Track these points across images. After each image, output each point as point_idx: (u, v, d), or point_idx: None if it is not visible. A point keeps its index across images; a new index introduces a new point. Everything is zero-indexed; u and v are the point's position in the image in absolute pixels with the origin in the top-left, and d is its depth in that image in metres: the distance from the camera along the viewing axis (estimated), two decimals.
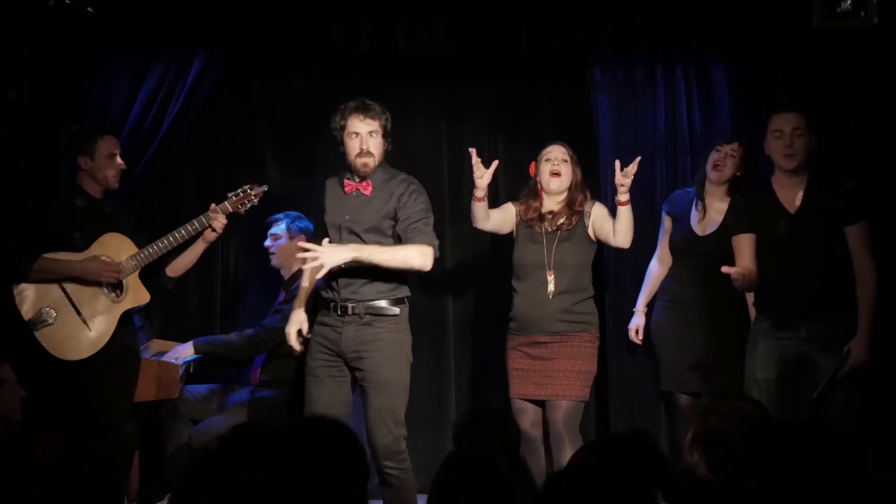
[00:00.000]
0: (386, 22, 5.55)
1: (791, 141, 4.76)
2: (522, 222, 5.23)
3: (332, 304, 4.75)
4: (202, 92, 5.58)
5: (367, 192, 4.78)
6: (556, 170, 5.15)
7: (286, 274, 5.59)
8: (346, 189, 4.80)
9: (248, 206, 5.07)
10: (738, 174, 5.28)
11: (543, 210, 5.20)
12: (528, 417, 5.15)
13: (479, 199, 5.12)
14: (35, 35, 5.19)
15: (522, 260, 5.19)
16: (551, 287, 5.09)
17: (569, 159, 5.19)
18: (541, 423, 5.20)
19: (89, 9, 4.98)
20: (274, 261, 5.59)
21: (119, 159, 4.98)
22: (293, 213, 5.59)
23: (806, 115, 4.82)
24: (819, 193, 4.77)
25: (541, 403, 5.16)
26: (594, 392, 5.64)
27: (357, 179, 4.79)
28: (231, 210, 5.03)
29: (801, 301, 4.72)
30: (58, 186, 5.26)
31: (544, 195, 5.20)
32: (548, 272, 5.10)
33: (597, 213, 5.16)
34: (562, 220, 5.15)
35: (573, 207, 5.17)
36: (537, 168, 5.24)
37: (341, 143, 4.79)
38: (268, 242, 5.59)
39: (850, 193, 4.79)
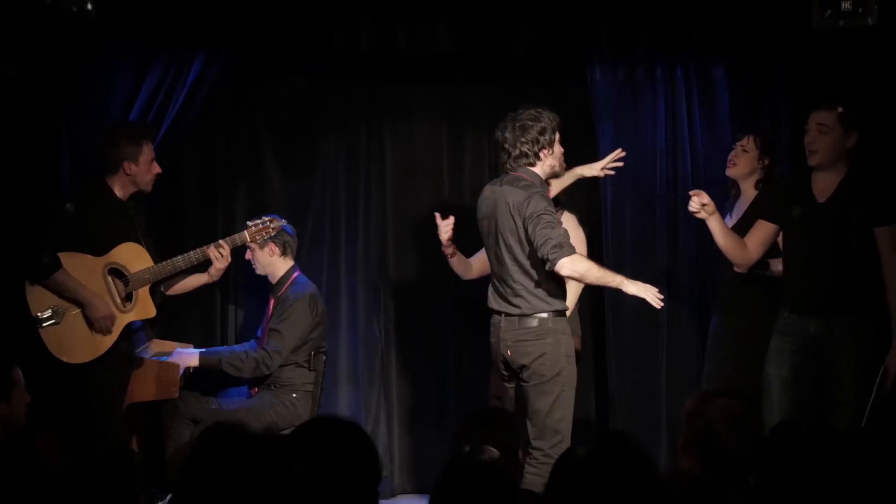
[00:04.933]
0: (386, 22, 5.55)
1: (813, 137, 4.74)
2: None
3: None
4: (202, 92, 5.57)
5: None
6: None
7: (273, 279, 5.58)
8: None
9: (266, 237, 5.20)
10: (761, 165, 5.28)
11: None
12: None
13: (451, 255, 5.23)
14: (35, 34, 5.17)
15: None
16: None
17: None
18: None
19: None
20: (258, 269, 5.59)
21: (156, 164, 5.09)
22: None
23: (840, 113, 4.72)
24: (851, 189, 4.73)
25: None
26: (594, 394, 5.65)
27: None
28: (248, 239, 5.15)
29: (814, 294, 4.71)
30: (83, 183, 5.26)
31: None
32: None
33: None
34: None
35: None
36: None
37: (550, 147, 4.77)
38: (248, 255, 5.57)
39: (885, 194, 4.73)
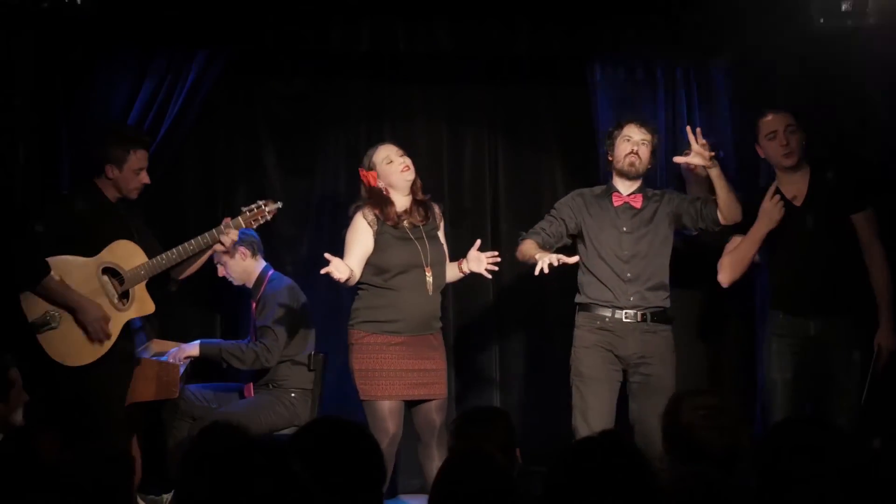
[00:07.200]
0: (386, 22, 5.56)
1: (787, 140, 4.84)
2: (382, 226, 5.01)
3: (613, 308, 4.86)
4: (202, 92, 5.58)
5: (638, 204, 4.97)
6: (404, 166, 5.04)
7: (249, 284, 5.58)
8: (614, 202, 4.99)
9: (262, 221, 5.10)
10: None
11: (399, 209, 5.05)
12: (399, 420, 5.00)
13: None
14: (35, 35, 5.18)
15: (393, 260, 4.98)
16: (430, 285, 5.03)
17: (403, 152, 5.10)
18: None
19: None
20: (235, 280, 5.59)
21: (145, 174, 4.99)
22: None
23: (793, 113, 4.90)
24: (822, 186, 4.83)
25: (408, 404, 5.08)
26: None
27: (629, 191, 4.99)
28: (244, 225, 5.06)
29: (811, 296, 4.77)
30: (73, 185, 5.24)
31: (394, 197, 5.06)
32: (426, 270, 5.00)
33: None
34: (418, 218, 5.08)
35: (422, 203, 5.11)
36: (379, 174, 5.04)
37: (611, 150, 5.02)
38: (220, 272, 5.56)
39: (855, 182, 4.86)
